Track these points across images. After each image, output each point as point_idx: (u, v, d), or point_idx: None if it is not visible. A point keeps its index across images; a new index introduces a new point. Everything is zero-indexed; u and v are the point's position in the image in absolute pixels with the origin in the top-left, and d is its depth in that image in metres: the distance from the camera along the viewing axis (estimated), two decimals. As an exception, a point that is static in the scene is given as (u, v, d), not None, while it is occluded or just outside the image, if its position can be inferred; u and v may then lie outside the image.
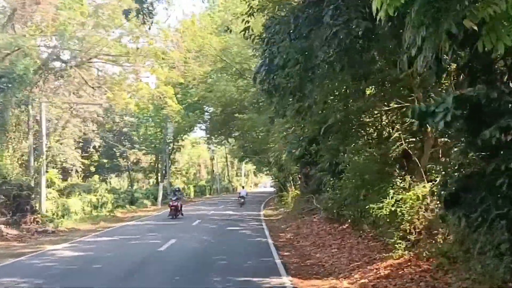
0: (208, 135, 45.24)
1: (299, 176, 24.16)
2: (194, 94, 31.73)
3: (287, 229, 18.21)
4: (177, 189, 24.47)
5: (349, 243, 12.12)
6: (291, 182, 28.12)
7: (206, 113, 37.98)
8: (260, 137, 29.20)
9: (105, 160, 49.24)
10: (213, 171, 73.25)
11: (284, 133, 20.24)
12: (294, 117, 9.72)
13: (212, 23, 26.11)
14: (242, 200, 32.20)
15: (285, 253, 12.14)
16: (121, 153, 49.73)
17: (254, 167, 78.10)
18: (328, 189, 16.74)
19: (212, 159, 73.27)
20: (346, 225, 14.85)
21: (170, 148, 46.68)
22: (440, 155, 8.56)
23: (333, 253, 11.40)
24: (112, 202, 32.54)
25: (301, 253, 12.20)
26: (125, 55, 21.53)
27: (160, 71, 25.31)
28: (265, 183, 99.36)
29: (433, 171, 8.71)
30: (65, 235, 16.53)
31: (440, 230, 7.95)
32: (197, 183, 65.46)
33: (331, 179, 14.07)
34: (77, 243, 14.12)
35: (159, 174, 48.48)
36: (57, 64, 21.29)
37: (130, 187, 46.81)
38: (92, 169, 48.26)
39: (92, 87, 21.19)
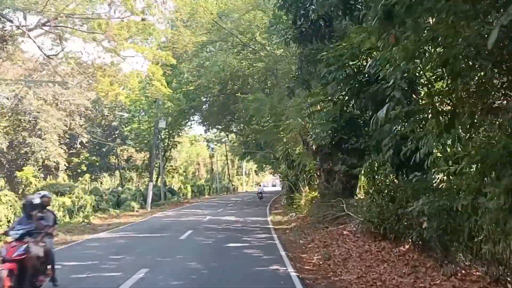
0: (205, 127, 39.98)
1: (318, 173, 19.14)
2: (188, 80, 26.90)
3: (309, 245, 13.17)
4: (39, 197, 7.52)
5: (434, 286, 7.14)
6: (305, 181, 23.10)
7: (204, 104, 32.91)
8: (266, 127, 24.10)
9: (94, 158, 44.68)
10: (213, 169, 68.95)
11: (302, 115, 15.26)
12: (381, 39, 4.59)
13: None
14: (261, 194, 40.60)
15: (324, 302, 7.19)
16: (110, 150, 45.08)
17: (256, 165, 74.03)
18: (372, 191, 11.74)
19: (211, 157, 69.18)
20: (407, 246, 9.90)
21: (165, 144, 42.04)
22: None
23: (414, 307, 6.43)
24: (93, 205, 27.57)
25: (350, 301, 7.22)
26: (94, 17, 16.59)
27: (145, 48, 20.66)
28: (267, 182, 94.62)
29: None
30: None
31: None
32: (195, 183, 60.83)
33: (392, 174, 8.99)
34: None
35: (153, 172, 43.64)
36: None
37: (121, 187, 41.85)
38: (84, 167, 43.64)
39: (48, 56, 16.24)
